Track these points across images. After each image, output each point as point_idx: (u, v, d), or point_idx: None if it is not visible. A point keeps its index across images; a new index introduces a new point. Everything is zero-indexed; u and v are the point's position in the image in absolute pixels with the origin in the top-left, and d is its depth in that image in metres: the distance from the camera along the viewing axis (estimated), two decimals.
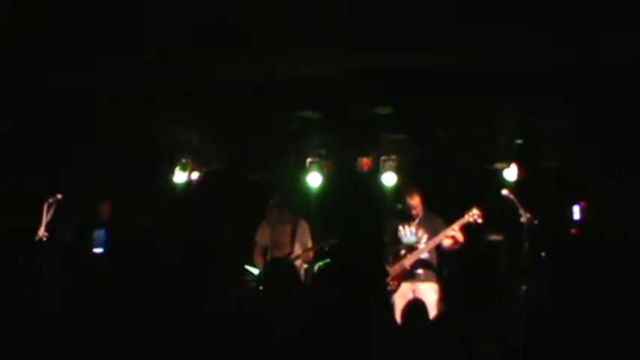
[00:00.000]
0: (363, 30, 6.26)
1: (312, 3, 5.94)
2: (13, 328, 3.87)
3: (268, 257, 8.20)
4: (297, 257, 8.12)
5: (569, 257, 6.66)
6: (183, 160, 8.77)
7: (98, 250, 8.17)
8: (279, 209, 8.35)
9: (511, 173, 8.07)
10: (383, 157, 8.41)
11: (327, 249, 8.46)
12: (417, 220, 7.37)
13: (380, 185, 8.44)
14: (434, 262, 7.32)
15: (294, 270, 5.35)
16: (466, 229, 7.25)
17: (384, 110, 7.73)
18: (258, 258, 8.27)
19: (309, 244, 8.31)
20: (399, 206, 7.63)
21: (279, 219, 8.31)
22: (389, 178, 8.35)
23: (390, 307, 7.03)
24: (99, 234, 8.29)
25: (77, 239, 8.05)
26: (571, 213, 7.90)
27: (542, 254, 7.03)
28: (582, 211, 7.80)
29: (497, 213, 7.47)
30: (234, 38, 6.34)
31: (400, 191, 7.80)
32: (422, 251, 7.28)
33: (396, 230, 7.39)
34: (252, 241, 8.39)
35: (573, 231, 8.11)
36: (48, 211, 7.07)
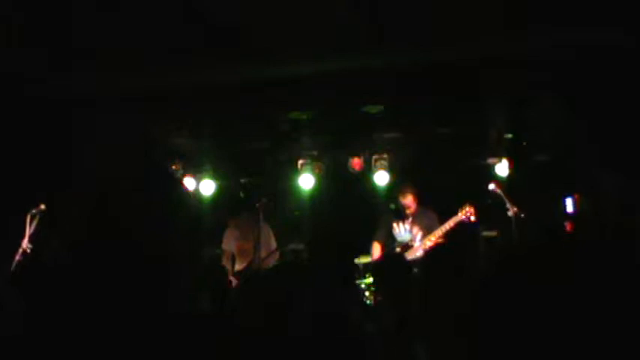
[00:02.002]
0: (351, 30, 6.24)
1: (302, 3, 5.92)
2: None
3: (236, 265, 7.80)
4: (263, 261, 7.64)
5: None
6: (173, 167, 8.65)
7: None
8: (243, 214, 8.02)
9: (502, 168, 8.07)
10: (374, 157, 8.36)
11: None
12: (411, 218, 7.36)
13: (372, 185, 8.41)
14: None
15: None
16: (460, 226, 7.24)
17: (373, 109, 7.68)
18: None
19: (273, 247, 7.94)
20: (392, 206, 7.61)
21: (243, 224, 7.96)
22: (381, 177, 8.32)
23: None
24: None
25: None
26: (563, 206, 7.86)
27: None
28: (575, 203, 7.75)
29: (490, 208, 7.46)
30: (221, 39, 6.30)
31: (393, 190, 7.77)
32: (416, 250, 7.26)
33: (391, 228, 7.36)
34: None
35: (568, 225, 8.04)
36: (31, 222, 6.84)
